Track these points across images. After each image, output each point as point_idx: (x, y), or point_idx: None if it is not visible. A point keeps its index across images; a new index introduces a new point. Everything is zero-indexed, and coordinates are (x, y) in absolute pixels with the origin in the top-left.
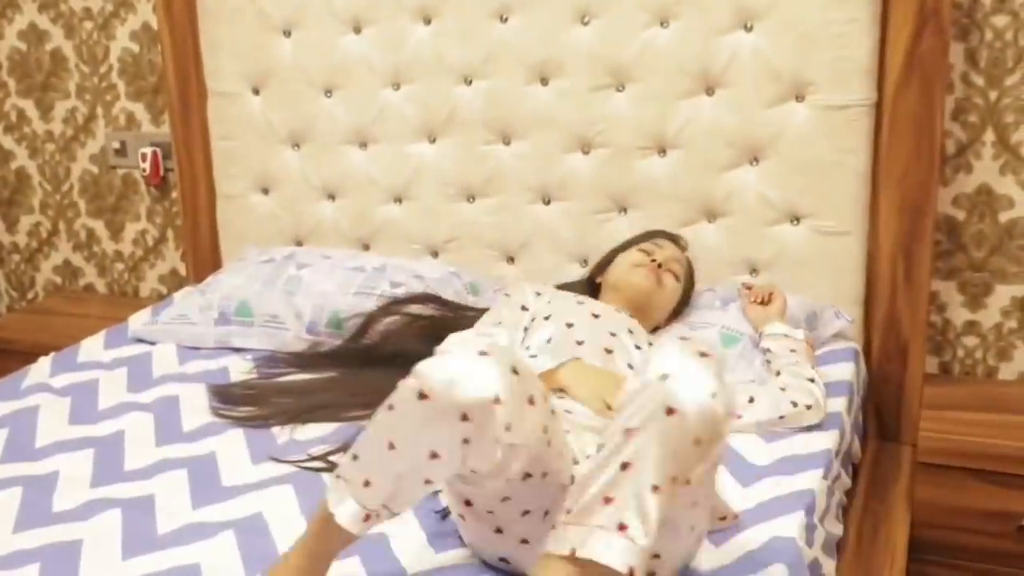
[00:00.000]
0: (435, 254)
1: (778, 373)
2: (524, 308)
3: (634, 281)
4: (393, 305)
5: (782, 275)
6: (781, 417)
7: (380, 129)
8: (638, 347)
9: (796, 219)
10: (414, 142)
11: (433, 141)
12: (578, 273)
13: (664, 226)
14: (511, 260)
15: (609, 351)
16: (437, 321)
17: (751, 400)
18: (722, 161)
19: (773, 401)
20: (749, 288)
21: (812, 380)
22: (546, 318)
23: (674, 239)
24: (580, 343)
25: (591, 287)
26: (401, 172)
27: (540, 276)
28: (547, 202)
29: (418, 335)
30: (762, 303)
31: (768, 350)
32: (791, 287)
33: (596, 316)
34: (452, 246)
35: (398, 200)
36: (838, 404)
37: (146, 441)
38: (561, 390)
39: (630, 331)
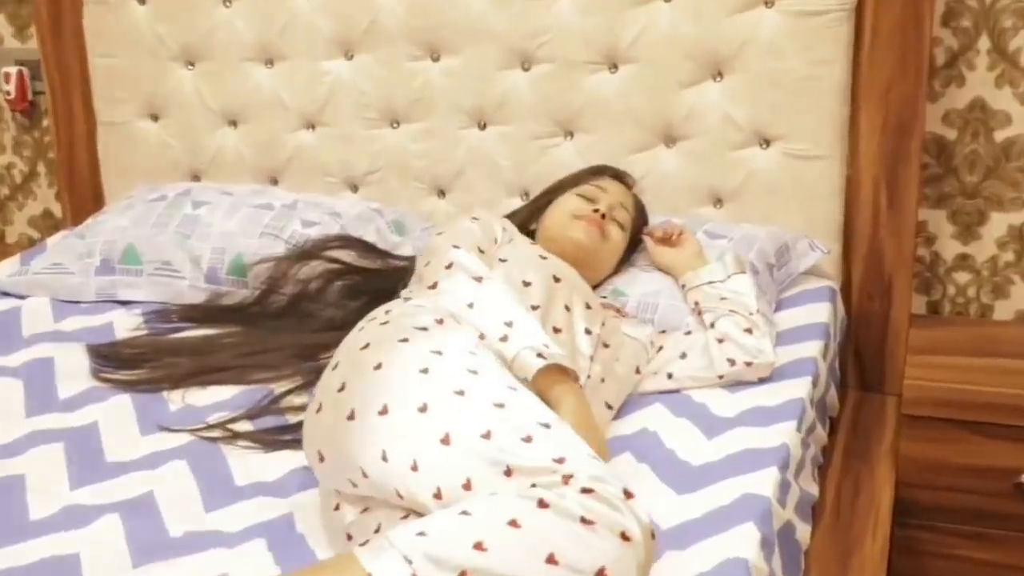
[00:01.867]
0: (354, 188)
1: (712, 325)
2: (495, 241)
3: (574, 236)
4: (306, 250)
5: (750, 205)
6: (720, 376)
7: (288, 43)
8: (588, 331)
9: (765, 142)
10: (328, 58)
11: (350, 57)
12: (517, 204)
13: (616, 152)
14: (442, 194)
15: (558, 331)
16: (360, 272)
17: (683, 356)
18: (681, 76)
19: (707, 359)
20: (650, 233)
21: (749, 331)
22: (502, 261)
23: (620, 177)
24: (534, 308)
25: (526, 232)
26: (313, 93)
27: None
28: (482, 126)
29: (338, 289)
30: (670, 244)
31: (696, 304)
32: (760, 217)
33: (557, 280)
34: (373, 179)
35: (310, 126)
36: (812, 349)
37: (14, 412)
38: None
39: (587, 306)
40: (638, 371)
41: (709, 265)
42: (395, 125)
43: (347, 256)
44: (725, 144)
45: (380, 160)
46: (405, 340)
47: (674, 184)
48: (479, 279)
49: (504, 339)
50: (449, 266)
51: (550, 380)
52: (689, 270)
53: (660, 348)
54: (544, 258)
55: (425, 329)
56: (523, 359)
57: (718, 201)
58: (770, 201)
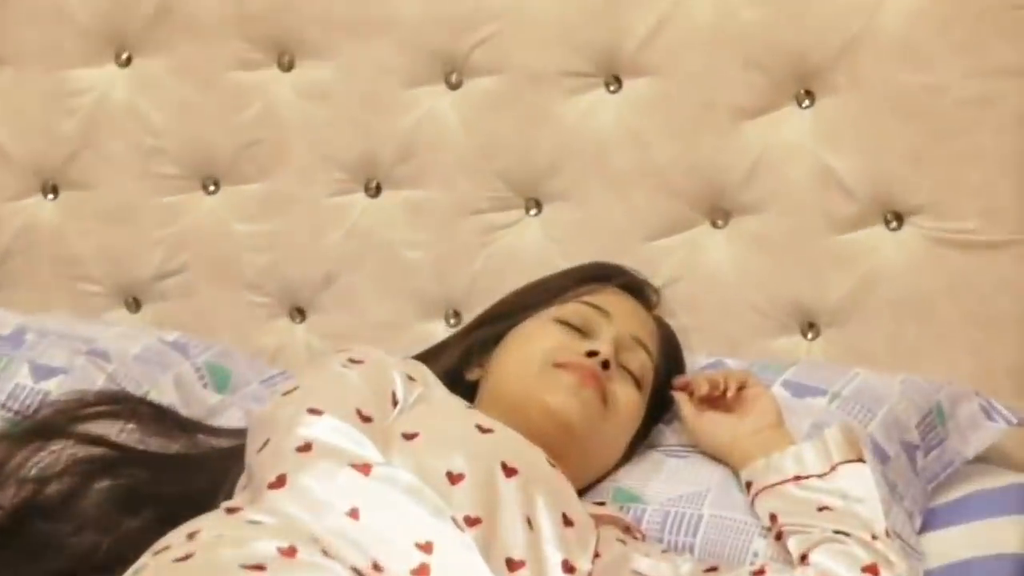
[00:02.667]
0: (134, 303)
1: (803, 559)
2: (394, 401)
3: (551, 401)
4: (44, 422)
5: (869, 333)
6: None
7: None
8: (569, 567)
9: (895, 217)
10: (85, 63)
11: (125, 61)
12: (441, 334)
13: (625, 237)
14: (298, 314)
15: (514, 565)
16: (143, 463)
17: None
18: (737, 97)
19: None
20: (685, 387)
21: (873, 570)
22: (407, 438)
23: (634, 288)
24: (472, 522)
25: (458, 385)
26: (57, 128)
27: (337, 338)
28: (374, 190)
29: (104, 494)
30: (722, 407)
31: (774, 517)
32: (888, 356)
33: (509, 473)
34: (170, 285)
35: (49, 189)
36: None
37: None
38: None
39: (566, 520)
40: None
41: (795, 446)
42: (211, 188)
43: (120, 433)
44: (821, 221)
45: (182, 250)
46: None
47: (727, 293)
48: (365, 468)
49: (423, 569)
50: (304, 448)
51: None
52: (759, 454)
53: None
54: (486, 431)
55: (261, 568)
56: None
57: (810, 326)
58: (906, 326)
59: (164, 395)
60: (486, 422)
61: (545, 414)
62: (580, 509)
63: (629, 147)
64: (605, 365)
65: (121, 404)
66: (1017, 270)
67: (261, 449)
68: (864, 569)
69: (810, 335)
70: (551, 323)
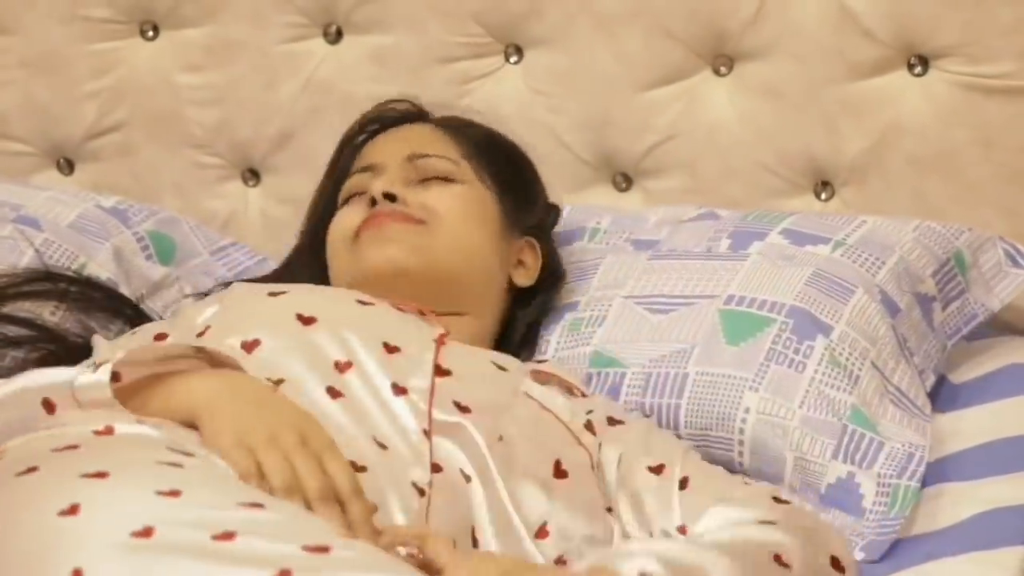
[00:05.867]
0: (67, 164)
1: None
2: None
3: (371, 264)
4: None
5: (890, 188)
6: None
7: None
8: (399, 388)
9: (920, 60)
10: None
11: None
12: None
13: (605, 89)
14: (252, 175)
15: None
16: (68, 344)
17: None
18: None
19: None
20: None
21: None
22: (200, 334)
23: (405, 118)
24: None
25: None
26: None
27: (296, 203)
28: (334, 35)
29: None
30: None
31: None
32: (909, 203)
33: (306, 322)
34: (105, 144)
35: None
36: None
37: None
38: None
39: (388, 348)
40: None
41: None
42: (149, 33)
43: (55, 312)
44: (837, 66)
45: (119, 105)
46: (32, 470)
47: (731, 150)
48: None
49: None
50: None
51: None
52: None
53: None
54: (277, 294)
55: (74, 447)
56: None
57: (823, 185)
58: (931, 183)
59: (103, 268)
60: (278, 288)
61: (378, 276)
62: (413, 334)
63: None
64: (388, 197)
65: (51, 283)
66: None
67: None
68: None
69: (824, 195)
70: (339, 210)
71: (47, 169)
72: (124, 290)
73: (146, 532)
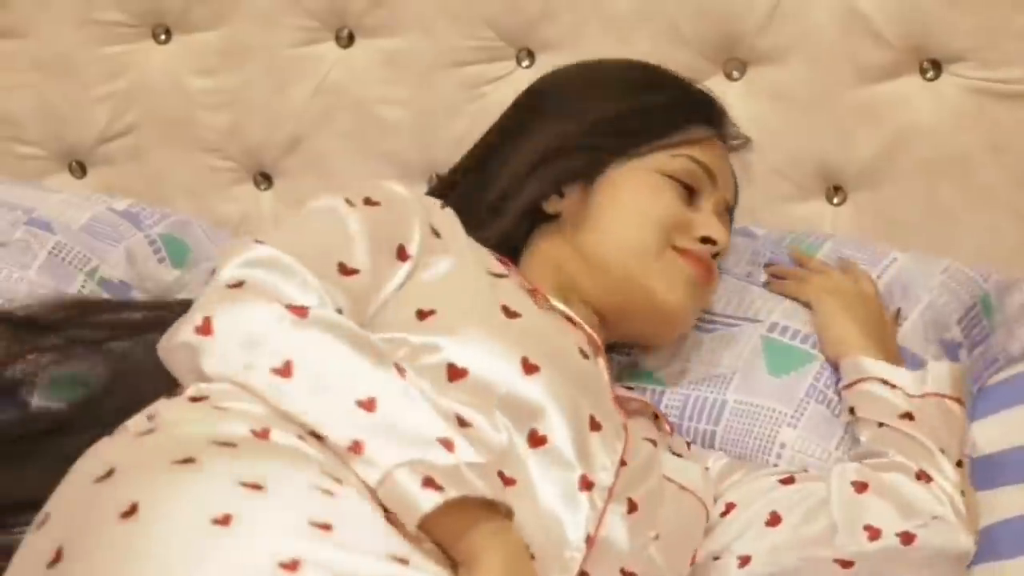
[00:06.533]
0: (79, 168)
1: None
2: (402, 255)
3: (671, 300)
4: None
5: (896, 199)
6: (847, 564)
7: None
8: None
9: (933, 64)
10: None
11: None
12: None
13: None
14: (264, 179)
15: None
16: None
17: (772, 518)
18: None
19: (824, 520)
20: (769, 267)
21: (925, 477)
22: (422, 316)
23: (729, 137)
24: (463, 423)
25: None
26: None
27: None
28: (345, 39)
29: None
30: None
31: (854, 413)
32: (921, 223)
33: (528, 366)
34: (118, 148)
35: None
36: None
37: None
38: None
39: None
40: (693, 559)
41: (893, 366)
42: (161, 37)
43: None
44: (849, 71)
45: (131, 108)
46: (190, 461)
47: (743, 154)
48: (301, 312)
49: (356, 447)
50: (238, 284)
51: (457, 523)
52: (857, 349)
53: (727, 507)
54: (512, 316)
55: (232, 446)
56: (398, 487)
57: (835, 191)
58: (943, 189)
59: (115, 271)
60: (514, 302)
61: (652, 306)
62: (610, 408)
63: None
64: (715, 256)
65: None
66: None
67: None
68: (916, 476)
69: (836, 200)
70: (661, 179)
71: (59, 172)
72: (136, 293)
73: (293, 565)
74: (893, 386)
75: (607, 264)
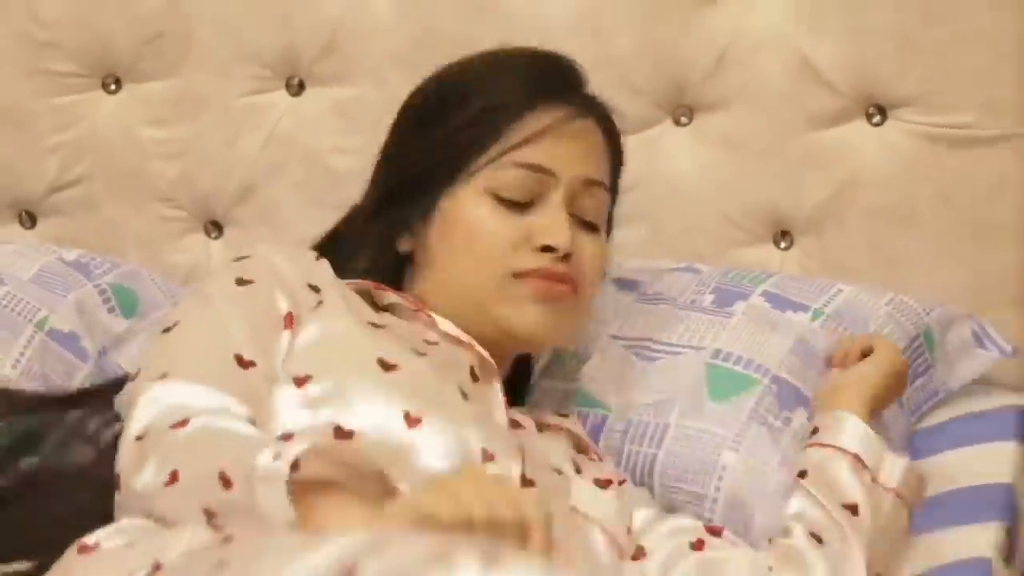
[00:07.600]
0: (28, 218)
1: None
2: (287, 323)
3: (521, 327)
4: None
5: (850, 241)
6: None
7: None
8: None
9: (878, 109)
10: None
11: None
12: None
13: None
14: (215, 228)
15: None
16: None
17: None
18: None
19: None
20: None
21: (817, 538)
22: (300, 383)
23: (572, 87)
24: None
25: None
26: None
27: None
28: (296, 88)
29: None
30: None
31: (803, 474)
32: (870, 267)
33: (410, 420)
34: (66, 201)
35: None
36: (982, 541)
37: None
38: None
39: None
40: None
41: (857, 421)
42: (111, 86)
43: None
44: (797, 117)
45: (81, 159)
46: None
47: (692, 200)
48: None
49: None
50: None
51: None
52: (840, 411)
53: (638, 552)
54: (390, 368)
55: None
56: (264, 478)
57: (783, 235)
58: (891, 235)
59: (65, 322)
60: (391, 352)
61: (512, 332)
62: (503, 433)
63: (583, 36)
64: (566, 257)
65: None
66: (1018, 169)
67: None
68: (811, 534)
69: (783, 244)
70: (486, 199)
71: (9, 223)
72: (86, 343)
73: None
74: (864, 465)
75: (458, 300)
